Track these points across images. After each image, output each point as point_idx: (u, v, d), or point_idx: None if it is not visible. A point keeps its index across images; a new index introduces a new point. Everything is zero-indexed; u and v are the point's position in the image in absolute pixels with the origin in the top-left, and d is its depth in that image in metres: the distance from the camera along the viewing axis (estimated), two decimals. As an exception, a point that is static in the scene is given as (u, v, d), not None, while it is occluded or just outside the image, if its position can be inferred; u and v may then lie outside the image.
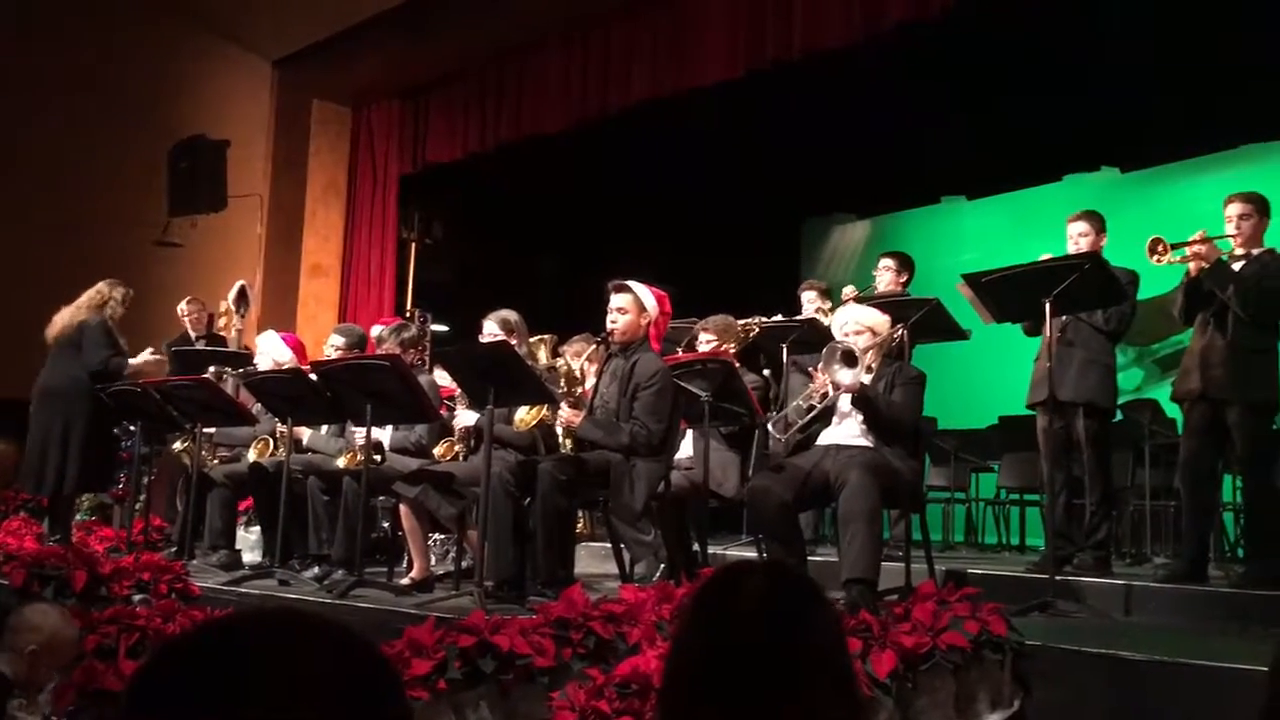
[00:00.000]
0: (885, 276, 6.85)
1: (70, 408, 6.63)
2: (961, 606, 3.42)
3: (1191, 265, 4.82)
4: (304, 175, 10.41)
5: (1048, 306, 4.56)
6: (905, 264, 6.88)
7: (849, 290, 6.91)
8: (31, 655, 3.17)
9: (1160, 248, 4.79)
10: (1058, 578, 4.47)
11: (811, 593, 1.38)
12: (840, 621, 1.49)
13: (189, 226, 10.32)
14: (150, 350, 6.93)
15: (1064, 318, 5.15)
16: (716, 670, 1.32)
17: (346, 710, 0.76)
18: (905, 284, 6.82)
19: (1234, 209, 4.92)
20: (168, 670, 0.76)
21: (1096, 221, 5.36)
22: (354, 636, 0.80)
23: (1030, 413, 5.63)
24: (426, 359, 6.76)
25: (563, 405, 4.97)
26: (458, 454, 5.40)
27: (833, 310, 6.48)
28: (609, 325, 4.96)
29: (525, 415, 5.07)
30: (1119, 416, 5.90)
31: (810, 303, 6.97)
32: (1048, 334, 4.84)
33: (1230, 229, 4.90)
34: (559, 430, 5.12)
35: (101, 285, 6.91)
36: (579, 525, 6.13)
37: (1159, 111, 8.13)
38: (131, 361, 6.77)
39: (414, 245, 10.58)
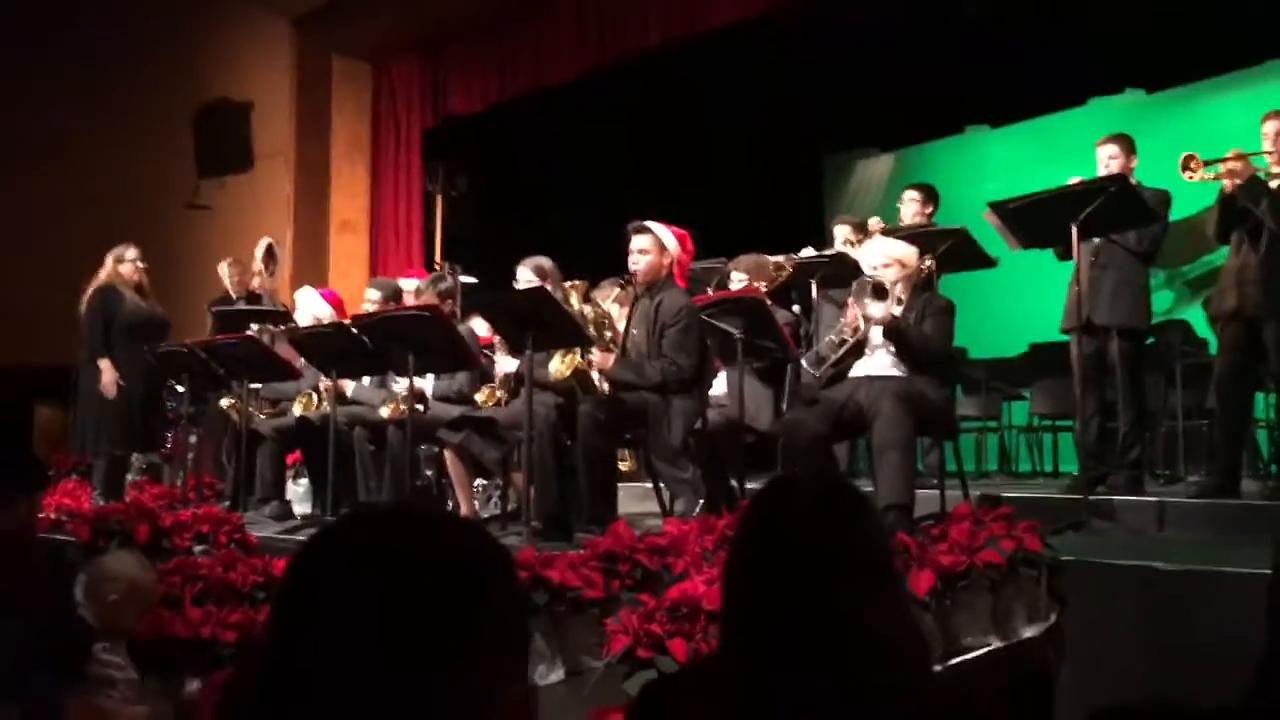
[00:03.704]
0: (910, 208, 6.86)
1: (94, 372, 6.82)
2: (997, 526, 3.50)
3: (1226, 182, 4.76)
4: (328, 132, 10.47)
5: (1075, 230, 4.56)
6: (930, 195, 6.89)
7: (875, 223, 6.92)
8: (114, 604, 3.28)
9: (1193, 164, 4.73)
10: (1091, 498, 4.54)
11: (858, 498, 1.47)
12: (885, 528, 1.58)
13: (217, 189, 10.46)
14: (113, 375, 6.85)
15: (1096, 241, 5.14)
16: (772, 573, 1.40)
17: (468, 593, 0.85)
18: (930, 215, 6.83)
19: (1271, 126, 4.81)
20: (314, 567, 0.86)
21: (1126, 144, 5.33)
22: (470, 525, 0.89)
23: (1061, 338, 5.64)
24: (458, 310, 6.85)
25: (593, 350, 5.06)
26: (499, 400, 5.52)
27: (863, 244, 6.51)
28: (631, 267, 5.04)
29: (560, 366, 5.09)
30: (1151, 339, 5.91)
31: (843, 237, 6.95)
32: (1078, 258, 4.83)
33: (1267, 146, 4.80)
34: (594, 373, 5.21)
35: (108, 257, 7.02)
36: (625, 464, 6.20)
37: (1182, 29, 8.00)
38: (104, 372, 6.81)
39: (439, 198, 10.64)
